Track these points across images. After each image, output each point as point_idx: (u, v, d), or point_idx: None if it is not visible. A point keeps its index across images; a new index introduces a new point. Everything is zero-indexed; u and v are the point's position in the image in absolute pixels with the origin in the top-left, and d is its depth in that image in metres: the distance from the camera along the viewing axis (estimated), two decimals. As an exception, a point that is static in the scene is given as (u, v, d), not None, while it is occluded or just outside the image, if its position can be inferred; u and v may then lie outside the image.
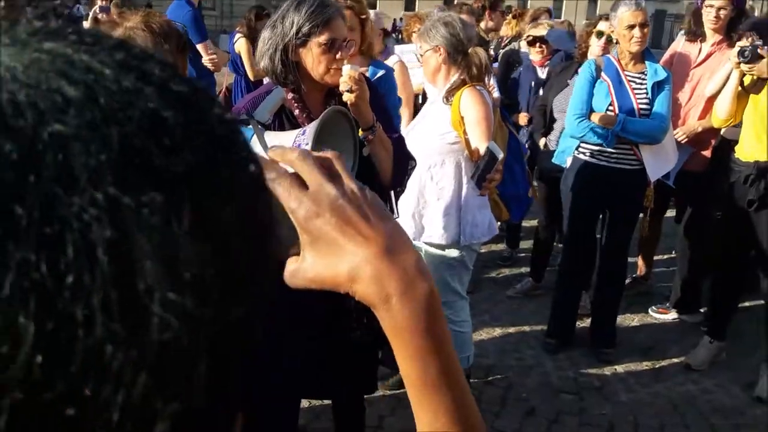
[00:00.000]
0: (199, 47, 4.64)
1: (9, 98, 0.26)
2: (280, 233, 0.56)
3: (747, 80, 3.53)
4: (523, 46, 5.12)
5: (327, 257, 0.56)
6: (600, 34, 4.18)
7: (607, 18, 4.07)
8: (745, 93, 3.57)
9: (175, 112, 0.29)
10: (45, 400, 0.24)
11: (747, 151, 3.58)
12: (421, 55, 3.08)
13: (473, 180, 2.78)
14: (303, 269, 0.57)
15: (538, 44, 4.83)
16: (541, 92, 4.80)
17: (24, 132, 0.25)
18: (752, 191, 3.50)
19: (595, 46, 4.21)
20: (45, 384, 0.24)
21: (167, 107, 0.29)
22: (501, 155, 2.67)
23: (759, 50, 3.36)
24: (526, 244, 5.34)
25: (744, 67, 3.42)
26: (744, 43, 3.43)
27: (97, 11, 5.79)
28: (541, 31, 4.84)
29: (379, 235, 0.56)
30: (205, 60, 4.58)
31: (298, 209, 0.55)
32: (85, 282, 0.25)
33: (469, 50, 2.97)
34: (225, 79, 6.26)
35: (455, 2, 4.84)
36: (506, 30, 5.82)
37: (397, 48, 4.74)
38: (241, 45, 5.52)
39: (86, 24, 6.05)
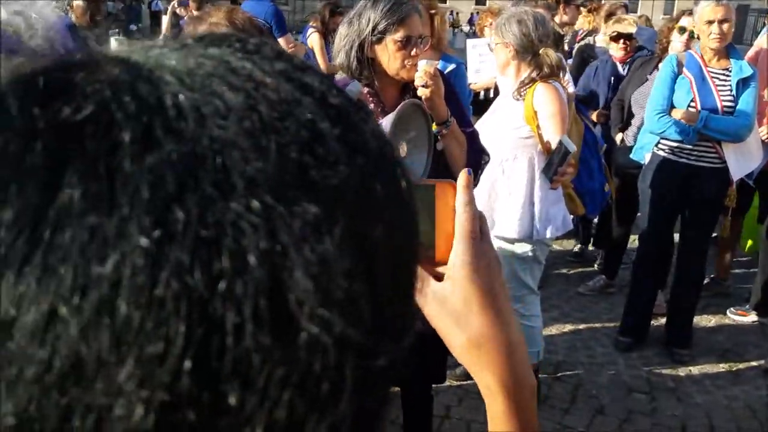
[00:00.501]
0: (281, 41, 4.77)
1: (173, 101, 0.26)
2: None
3: None
4: (599, 41, 5.00)
5: (452, 317, 0.62)
6: (682, 29, 4.08)
7: (690, 13, 3.97)
8: None
9: (331, 124, 0.29)
10: (190, 407, 0.24)
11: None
12: (492, 49, 3.08)
13: (545, 173, 2.77)
14: (429, 308, 0.62)
15: (622, 40, 4.73)
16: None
17: (185, 135, 0.26)
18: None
19: (677, 41, 4.11)
20: (191, 390, 0.24)
21: (324, 119, 0.29)
22: (574, 149, 2.66)
23: None
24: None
25: None
26: None
27: (176, 5, 5.96)
28: (628, 28, 4.73)
29: (501, 331, 0.62)
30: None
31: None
32: (237, 289, 0.24)
33: (540, 51, 2.93)
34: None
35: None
36: (582, 24, 5.72)
37: (469, 42, 4.76)
38: (314, 40, 5.63)
39: (165, 18, 6.25)
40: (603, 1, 6.35)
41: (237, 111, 0.27)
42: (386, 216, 0.30)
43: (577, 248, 5.31)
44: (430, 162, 1.99)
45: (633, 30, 4.75)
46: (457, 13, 41.34)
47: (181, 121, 0.26)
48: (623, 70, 4.79)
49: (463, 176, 0.63)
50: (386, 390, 0.32)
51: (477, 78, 4.60)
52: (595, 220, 5.03)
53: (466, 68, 4.63)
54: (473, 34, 6.00)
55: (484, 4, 30.51)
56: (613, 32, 4.74)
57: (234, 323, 0.24)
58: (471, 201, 0.62)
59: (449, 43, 4.50)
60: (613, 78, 4.72)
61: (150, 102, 0.26)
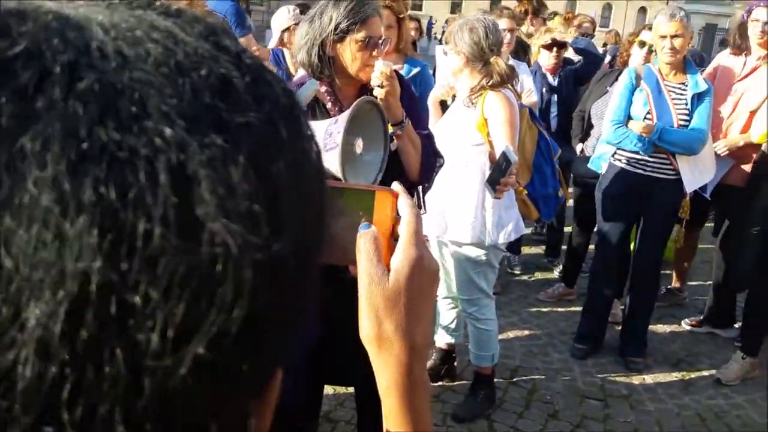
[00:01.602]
0: (242, 40, 4.76)
1: (97, 45, 0.30)
2: (337, 223, 0.65)
3: None
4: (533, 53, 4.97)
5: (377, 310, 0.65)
6: (642, 43, 4.16)
7: (650, 28, 4.05)
8: None
9: (242, 77, 0.33)
10: (97, 309, 0.27)
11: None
12: (446, 54, 3.13)
13: (488, 183, 2.79)
14: (363, 289, 0.65)
15: (555, 49, 4.78)
16: (554, 99, 4.79)
17: (107, 72, 0.29)
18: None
19: (637, 55, 4.20)
20: (103, 287, 0.27)
21: (237, 73, 0.33)
22: (515, 158, 2.69)
23: None
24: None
25: None
26: None
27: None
28: (564, 36, 4.81)
29: (412, 334, 0.65)
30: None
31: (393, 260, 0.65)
32: (147, 200, 0.28)
33: (491, 60, 2.97)
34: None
35: (500, 5, 4.84)
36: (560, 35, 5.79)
37: (438, 48, 4.80)
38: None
39: None
40: (577, 12, 6.45)
41: (156, 57, 0.31)
42: (289, 157, 0.34)
43: (546, 261, 5.37)
44: (386, 160, 2.01)
45: (569, 39, 4.82)
46: (435, 21, 41.66)
47: (105, 61, 0.29)
48: (553, 80, 4.86)
49: (397, 185, 0.69)
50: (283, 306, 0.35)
51: (439, 88, 4.63)
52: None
53: (433, 72, 4.67)
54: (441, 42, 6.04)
55: (459, 12, 30.77)
56: (548, 40, 4.77)
57: (144, 228, 0.28)
58: (414, 204, 0.67)
59: (422, 50, 4.53)
60: (544, 89, 4.77)
61: (77, 44, 0.29)
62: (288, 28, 4.45)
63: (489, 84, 2.97)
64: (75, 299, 0.27)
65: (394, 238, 0.67)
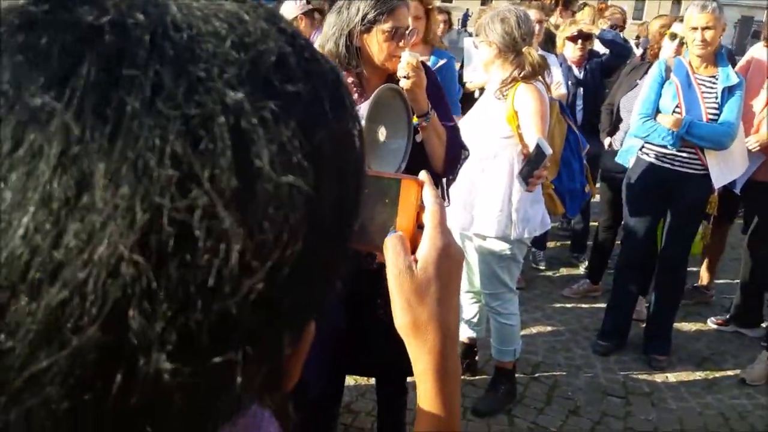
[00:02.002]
0: None
1: (172, 20, 0.35)
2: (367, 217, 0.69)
3: None
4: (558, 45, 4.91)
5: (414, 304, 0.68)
6: (673, 36, 4.09)
7: (681, 20, 3.99)
8: None
9: (296, 55, 0.38)
10: (169, 232, 0.31)
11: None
12: (476, 46, 3.10)
13: (521, 175, 2.78)
14: (393, 282, 0.67)
15: (580, 41, 4.73)
16: (579, 92, 4.73)
17: (180, 42, 0.34)
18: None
19: (668, 47, 4.13)
20: (172, 222, 0.31)
21: (290, 51, 0.37)
22: (550, 152, 2.67)
23: None
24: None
25: None
26: None
27: None
28: (591, 28, 4.75)
29: (446, 320, 0.68)
30: None
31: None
32: (214, 150, 0.32)
33: (523, 50, 2.94)
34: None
35: (529, -3, 4.78)
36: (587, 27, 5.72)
37: (467, 40, 4.77)
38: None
39: None
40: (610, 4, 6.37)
41: (221, 33, 0.35)
42: (332, 126, 0.38)
43: (572, 258, 5.32)
44: (409, 149, 2.01)
45: (595, 31, 4.76)
46: (471, 14, 41.37)
47: (178, 33, 0.34)
48: (579, 73, 4.81)
49: (425, 174, 0.71)
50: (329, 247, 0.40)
51: (473, 77, 4.61)
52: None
53: (461, 65, 4.65)
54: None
55: (490, 4, 30.57)
56: (574, 32, 4.71)
57: (209, 174, 0.32)
58: (438, 194, 0.69)
59: (452, 42, 4.52)
60: (570, 82, 4.71)
61: (156, 18, 0.34)
62: (296, 18, 4.45)
63: (521, 75, 2.94)
64: (146, 228, 0.31)
65: (418, 225, 0.69)
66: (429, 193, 0.69)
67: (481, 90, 4.66)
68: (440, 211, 0.68)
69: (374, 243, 0.69)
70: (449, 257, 0.67)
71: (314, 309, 0.42)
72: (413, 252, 0.68)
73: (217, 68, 0.34)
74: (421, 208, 0.69)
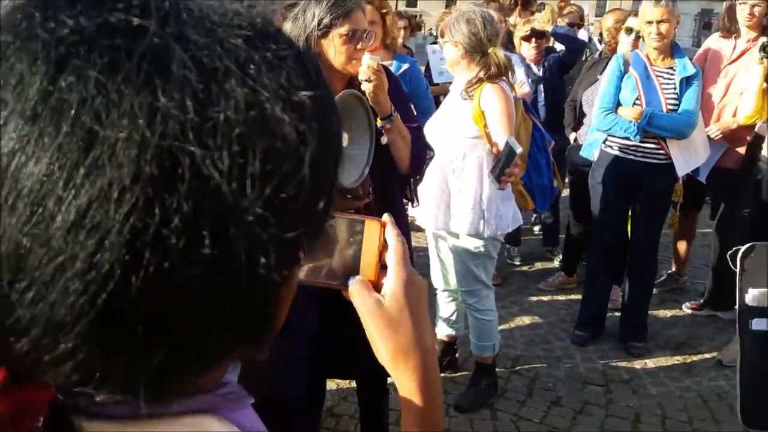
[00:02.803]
0: None
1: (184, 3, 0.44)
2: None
3: None
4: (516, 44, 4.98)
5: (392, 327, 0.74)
6: (629, 30, 4.19)
7: (636, 14, 4.09)
8: None
9: (281, 33, 0.48)
10: (196, 160, 0.39)
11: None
12: (441, 47, 3.15)
13: (493, 174, 2.83)
14: (365, 317, 0.73)
15: (534, 40, 4.81)
16: (540, 89, 4.82)
17: (194, 10, 0.43)
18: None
19: (625, 42, 4.23)
20: (193, 158, 0.39)
21: (274, 29, 0.47)
22: (519, 149, 2.72)
23: None
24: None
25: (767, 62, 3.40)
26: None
27: None
28: (544, 26, 4.84)
29: (424, 342, 0.74)
30: None
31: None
32: (230, 90, 0.41)
33: (489, 51, 3.00)
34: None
35: (489, -1, 4.85)
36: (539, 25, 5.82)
37: (429, 47, 4.83)
38: None
39: None
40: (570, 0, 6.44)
41: (226, 12, 0.45)
42: (315, 90, 0.46)
43: (546, 252, 5.39)
44: (372, 153, 2.04)
45: (549, 28, 4.85)
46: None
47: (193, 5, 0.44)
48: (538, 70, 4.89)
49: (387, 216, 0.77)
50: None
51: (440, 79, 4.66)
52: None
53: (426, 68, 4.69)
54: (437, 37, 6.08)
55: (454, 6, 30.71)
56: (527, 31, 4.79)
57: (224, 117, 0.40)
58: (400, 233, 0.76)
59: (419, 46, 4.57)
60: (529, 79, 4.77)
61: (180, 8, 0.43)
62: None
63: (487, 75, 2.99)
64: (170, 163, 0.38)
65: (381, 264, 0.75)
66: (392, 233, 0.75)
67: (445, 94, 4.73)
68: (403, 248, 0.75)
69: (340, 281, 0.74)
70: (414, 284, 0.74)
71: (308, 234, 0.47)
72: (378, 290, 0.74)
73: (224, 33, 0.42)
74: (384, 246, 0.75)
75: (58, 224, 0.37)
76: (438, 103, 4.55)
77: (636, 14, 4.07)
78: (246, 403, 0.56)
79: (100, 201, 0.37)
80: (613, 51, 4.31)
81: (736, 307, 3.72)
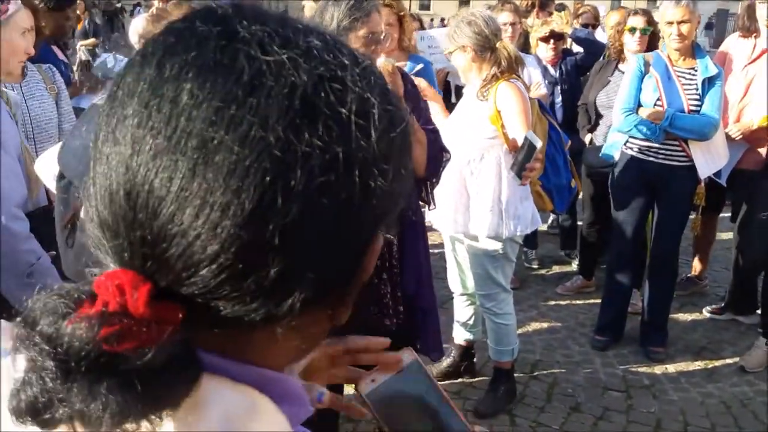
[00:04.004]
0: None
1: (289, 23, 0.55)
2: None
3: None
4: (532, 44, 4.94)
5: None
6: (633, 29, 4.15)
7: (636, 13, 4.12)
8: None
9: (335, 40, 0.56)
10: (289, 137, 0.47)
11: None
12: (449, 58, 3.14)
13: (513, 170, 2.81)
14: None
15: (552, 41, 4.78)
16: (557, 90, 4.77)
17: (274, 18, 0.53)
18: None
19: (632, 42, 4.19)
20: (285, 140, 0.47)
21: (332, 39, 0.55)
22: (539, 144, 2.69)
23: None
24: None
25: None
26: None
27: (154, 12, 6.06)
28: (563, 27, 4.81)
29: None
30: None
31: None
32: (336, 71, 0.51)
33: (497, 45, 2.99)
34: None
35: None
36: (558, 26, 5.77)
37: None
38: None
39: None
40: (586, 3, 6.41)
41: (305, 28, 0.54)
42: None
43: (564, 254, 5.34)
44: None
45: (568, 30, 4.81)
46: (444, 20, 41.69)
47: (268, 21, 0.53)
48: (555, 72, 4.85)
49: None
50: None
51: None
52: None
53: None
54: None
55: (467, 7, 30.73)
56: (546, 32, 4.76)
57: (328, 102, 0.49)
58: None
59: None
60: (546, 81, 4.74)
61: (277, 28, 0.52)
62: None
63: (500, 71, 2.98)
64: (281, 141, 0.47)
65: None
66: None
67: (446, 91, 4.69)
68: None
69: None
70: None
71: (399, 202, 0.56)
72: None
73: (308, 37, 0.51)
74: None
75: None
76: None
77: (634, 13, 4.06)
78: (306, 411, 0.60)
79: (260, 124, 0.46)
80: (618, 52, 4.30)
81: (759, 311, 3.65)
